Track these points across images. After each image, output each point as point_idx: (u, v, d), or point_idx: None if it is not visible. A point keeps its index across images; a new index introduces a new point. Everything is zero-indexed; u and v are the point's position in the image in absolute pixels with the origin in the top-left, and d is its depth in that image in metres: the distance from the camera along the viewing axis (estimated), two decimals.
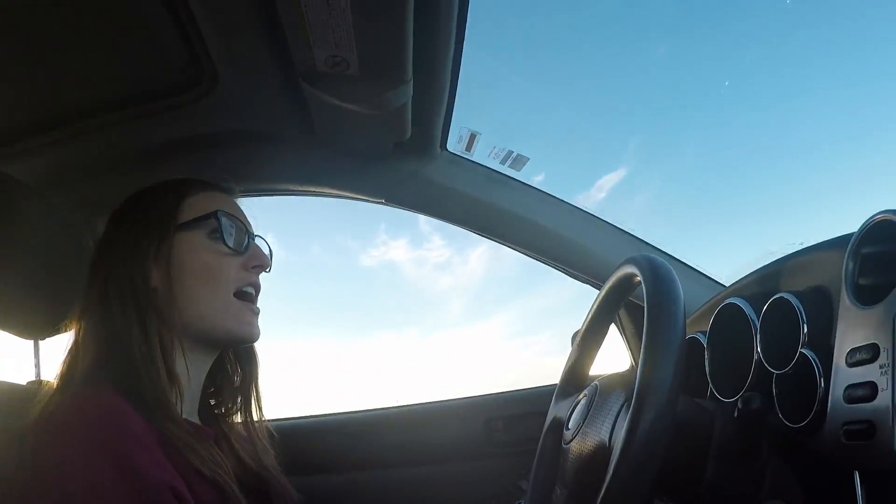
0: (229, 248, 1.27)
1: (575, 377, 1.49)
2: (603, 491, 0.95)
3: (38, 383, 1.43)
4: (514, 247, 2.08)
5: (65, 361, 1.23)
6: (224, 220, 1.28)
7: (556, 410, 1.48)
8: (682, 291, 1.02)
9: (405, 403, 2.27)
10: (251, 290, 1.30)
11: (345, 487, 2.09)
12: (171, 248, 1.24)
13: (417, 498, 2.10)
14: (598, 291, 1.44)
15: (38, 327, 1.42)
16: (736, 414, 1.05)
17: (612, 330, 1.85)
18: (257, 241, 1.36)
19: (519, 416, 2.13)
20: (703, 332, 1.42)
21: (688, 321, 1.56)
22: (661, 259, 1.10)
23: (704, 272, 2.03)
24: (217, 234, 1.27)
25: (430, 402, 2.25)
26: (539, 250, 2.07)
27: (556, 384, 1.52)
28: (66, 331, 1.33)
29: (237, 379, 1.42)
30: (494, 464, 2.11)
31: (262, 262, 1.32)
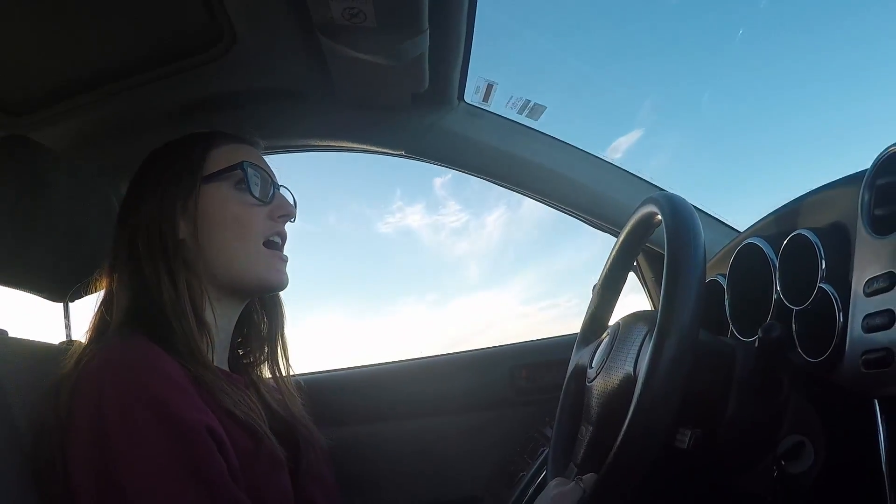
0: (256, 198, 1.29)
1: (596, 324, 1.51)
2: (628, 418, 0.97)
3: (69, 342, 1.46)
4: (533, 195, 2.09)
5: (96, 315, 1.25)
6: (250, 170, 1.29)
7: (577, 357, 1.50)
8: (701, 225, 1.03)
9: (429, 355, 2.29)
10: (278, 239, 1.32)
11: (370, 438, 2.12)
12: (198, 199, 1.26)
13: (442, 447, 2.13)
14: (616, 239, 1.45)
15: (67, 289, 1.44)
16: (756, 343, 1.06)
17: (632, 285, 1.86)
18: (282, 191, 1.37)
19: (543, 365, 2.15)
20: (723, 275, 1.43)
21: (707, 265, 1.58)
22: (679, 196, 1.11)
23: (722, 219, 2.03)
24: (243, 185, 1.29)
25: (453, 353, 2.27)
26: (558, 198, 2.08)
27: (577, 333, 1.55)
28: (94, 291, 1.35)
29: (264, 329, 1.45)
30: (519, 412, 2.13)
31: (288, 212, 1.33)
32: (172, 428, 0.98)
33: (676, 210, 1.08)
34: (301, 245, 1.34)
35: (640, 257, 2.18)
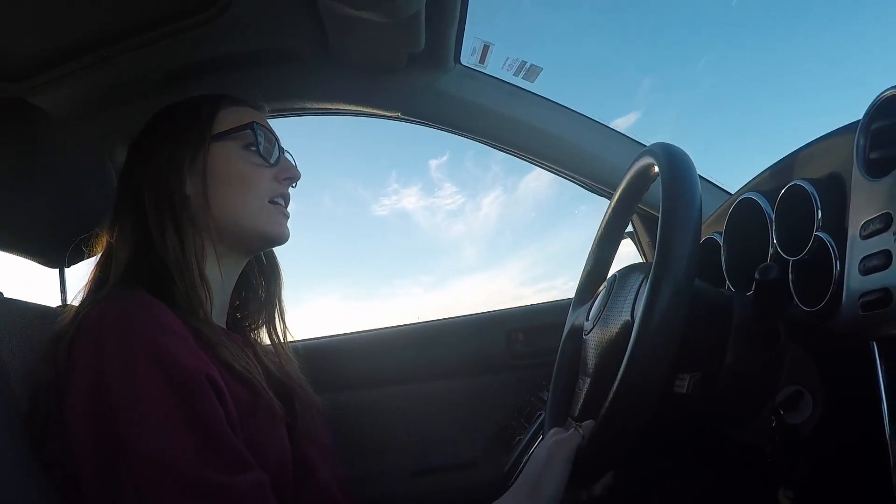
0: (263, 159, 1.30)
1: (592, 284, 1.51)
2: (625, 361, 0.98)
3: (65, 307, 1.46)
4: (528, 157, 2.10)
5: (96, 269, 1.26)
6: (259, 132, 1.30)
7: (574, 318, 1.50)
8: (696, 172, 1.04)
9: (426, 320, 2.30)
10: (281, 200, 1.33)
11: (366, 403, 2.13)
12: (206, 156, 1.26)
13: (439, 412, 2.14)
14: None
15: (62, 255, 1.44)
16: (754, 286, 1.07)
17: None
18: (286, 155, 1.38)
19: (539, 328, 2.16)
20: (719, 232, 1.43)
21: (704, 224, 1.58)
22: (676, 146, 1.12)
23: (717, 183, 2.03)
24: (252, 147, 1.30)
25: (450, 318, 2.28)
26: (553, 160, 2.09)
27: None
28: (90, 256, 1.35)
29: (262, 293, 1.46)
30: (515, 376, 2.14)
31: (292, 174, 1.35)
32: (172, 376, 0.99)
33: (673, 157, 1.08)
34: (296, 225, 1.36)
35: (637, 221, 2.19)
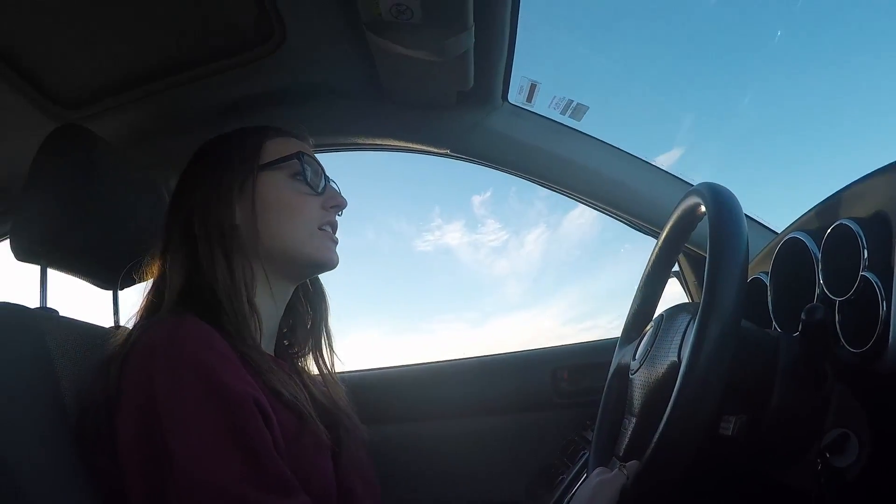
0: (311, 188, 1.32)
1: (639, 322, 1.51)
2: (671, 403, 0.97)
3: (117, 328, 1.49)
4: (575, 195, 2.09)
5: (147, 297, 1.28)
6: (305, 161, 1.33)
7: (620, 356, 1.50)
8: (743, 213, 1.04)
9: (472, 356, 2.30)
10: (329, 227, 1.35)
11: (409, 437, 2.13)
12: (254, 186, 1.29)
13: (482, 448, 2.13)
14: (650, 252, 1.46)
15: (116, 277, 1.47)
16: (800, 326, 1.06)
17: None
18: (332, 184, 1.40)
19: (585, 367, 2.14)
20: (765, 272, 1.42)
21: (750, 264, 1.57)
22: (723, 186, 1.12)
23: (763, 222, 2.02)
24: (299, 176, 1.32)
25: (496, 354, 2.27)
26: (600, 199, 2.08)
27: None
28: (144, 279, 1.38)
29: (308, 320, 1.47)
30: (559, 415, 2.12)
31: (339, 202, 1.36)
32: (221, 399, 1.00)
33: (720, 197, 1.08)
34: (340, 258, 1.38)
35: (683, 260, 2.18)
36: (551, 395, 2.14)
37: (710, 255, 1.01)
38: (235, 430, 0.99)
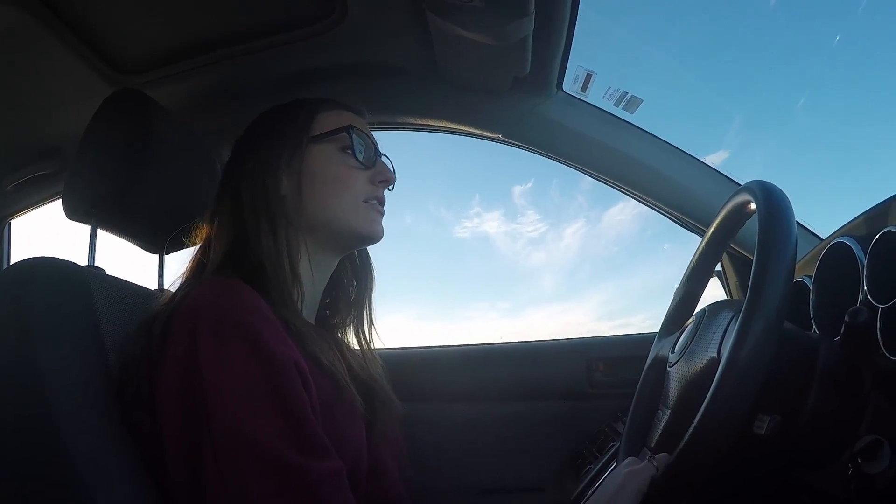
0: (359, 161, 1.33)
1: (679, 316, 1.51)
2: (708, 398, 0.98)
3: (161, 290, 1.52)
4: (624, 188, 2.10)
5: (193, 260, 1.31)
6: (355, 135, 1.33)
7: (658, 348, 1.50)
8: (793, 212, 1.04)
9: (508, 341, 2.31)
10: (376, 201, 1.36)
11: (440, 417, 2.15)
12: (302, 158, 1.30)
13: (512, 432, 2.14)
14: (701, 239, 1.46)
15: (163, 241, 1.50)
16: (843, 328, 1.06)
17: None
18: (383, 159, 1.41)
19: (620, 359, 2.15)
20: (809, 276, 1.42)
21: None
22: (774, 184, 1.12)
23: (808, 226, 2.00)
24: (349, 149, 1.33)
25: (532, 341, 2.29)
26: (648, 193, 2.09)
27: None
28: (191, 245, 1.40)
29: (352, 293, 1.49)
30: (592, 405, 2.13)
31: (388, 178, 1.37)
32: (264, 360, 1.01)
33: (770, 196, 1.08)
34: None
35: (726, 261, 2.17)
36: (585, 385, 2.15)
37: (758, 252, 1.01)
38: (274, 390, 1.00)
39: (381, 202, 1.37)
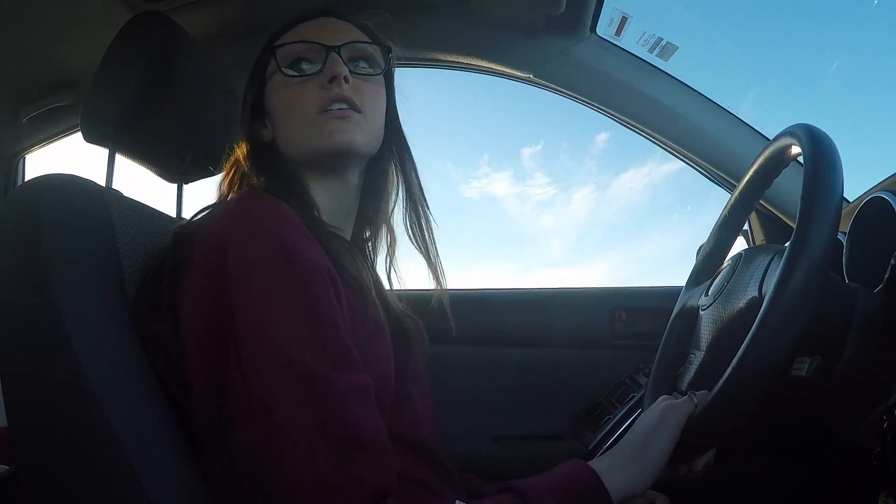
0: (299, 73, 1.25)
1: (709, 266, 1.49)
2: (750, 335, 0.96)
3: (182, 218, 1.49)
4: (653, 136, 2.08)
5: (220, 185, 1.29)
6: (282, 49, 1.26)
7: (686, 297, 1.48)
8: (839, 155, 1.01)
9: (530, 287, 2.30)
10: (334, 105, 1.23)
11: (459, 360, 2.13)
12: (263, 99, 1.29)
13: (531, 379, 2.12)
14: (729, 196, 1.44)
15: (182, 171, 1.48)
16: (888, 271, 1.04)
17: None
18: (334, 54, 1.26)
19: (644, 310, 2.13)
20: (843, 233, 1.39)
21: None
22: (819, 128, 1.09)
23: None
24: (288, 70, 1.26)
25: (556, 287, 2.27)
26: (679, 141, 2.06)
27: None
28: (210, 175, 1.38)
29: (372, 210, 1.42)
30: (613, 355, 2.12)
31: (336, 72, 1.22)
32: (295, 267, 0.98)
33: (816, 138, 1.06)
34: None
35: (753, 219, 2.15)
36: (607, 334, 2.13)
37: (805, 190, 0.99)
38: (304, 298, 0.97)
39: (341, 101, 1.23)
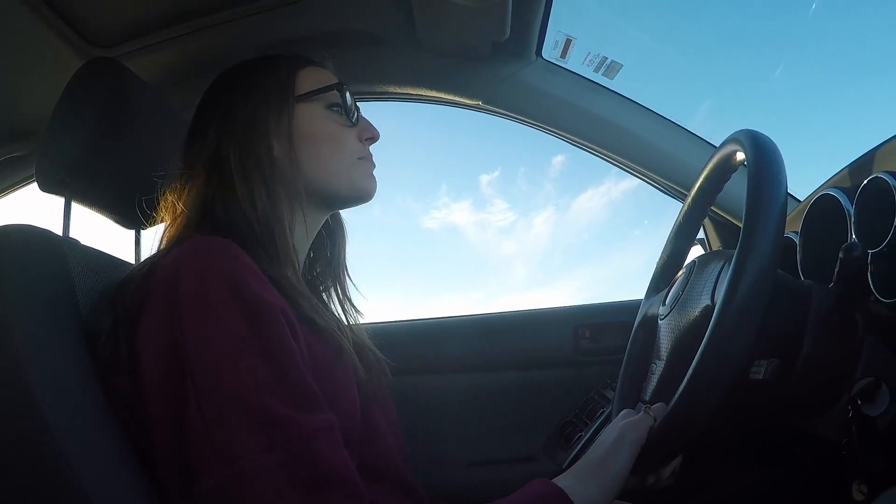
0: (348, 118, 1.32)
1: (666, 274, 1.51)
2: (703, 344, 0.98)
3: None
4: (605, 154, 2.11)
5: (171, 227, 1.26)
6: (342, 93, 1.32)
7: (647, 307, 1.50)
8: (782, 157, 1.04)
9: (491, 311, 2.29)
10: (370, 158, 1.35)
11: (425, 390, 2.12)
12: (290, 118, 1.27)
13: (499, 403, 2.12)
14: (681, 205, 1.46)
15: (140, 217, 1.47)
16: (837, 266, 1.06)
17: None
18: (363, 115, 1.39)
19: (607, 326, 2.14)
20: (795, 232, 1.42)
21: None
22: (762, 133, 1.12)
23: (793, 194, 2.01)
24: (336, 107, 1.32)
25: (518, 310, 2.27)
26: (629, 157, 2.10)
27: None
28: (168, 218, 1.38)
29: (328, 252, 1.47)
30: (579, 372, 2.12)
31: (373, 134, 1.35)
32: (247, 306, 0.97)
33: (758, 143, 1.08)
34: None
35: (708, 225, 2.18)
36: (571, 352, 2.14)
37: (748, 196, 1.01)
38: (260, 339, 0.97)
39: (371, 157, 1.36)
